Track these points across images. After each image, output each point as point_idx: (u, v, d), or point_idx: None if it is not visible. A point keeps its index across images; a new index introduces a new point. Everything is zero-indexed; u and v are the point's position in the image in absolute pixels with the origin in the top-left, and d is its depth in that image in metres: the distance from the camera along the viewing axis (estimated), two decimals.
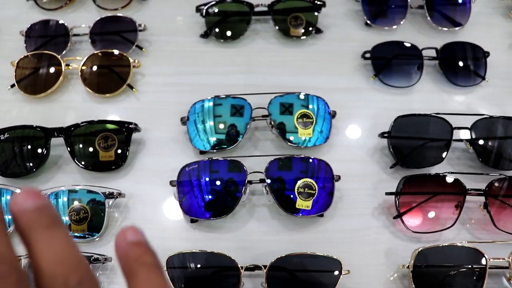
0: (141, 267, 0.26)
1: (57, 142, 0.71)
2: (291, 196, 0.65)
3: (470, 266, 0.61)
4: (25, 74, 0.79)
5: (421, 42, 0.81)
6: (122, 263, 0.27)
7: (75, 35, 0.83)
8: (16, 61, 0.79)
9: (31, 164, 0.70)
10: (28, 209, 0.25)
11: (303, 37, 0.84)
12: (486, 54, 0.81)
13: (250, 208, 0.68)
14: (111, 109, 0.77)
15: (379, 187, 0.69)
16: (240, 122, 0.71)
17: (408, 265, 0.61)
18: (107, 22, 0.84)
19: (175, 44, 0.85)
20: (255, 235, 0.66)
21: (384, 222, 0.68)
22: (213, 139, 0.71)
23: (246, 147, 0.73)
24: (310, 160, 0.67)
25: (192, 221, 0.66)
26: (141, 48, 0.83)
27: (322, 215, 0.67)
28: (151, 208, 0.68)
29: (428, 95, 0.79)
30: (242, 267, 0.60)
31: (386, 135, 0.72)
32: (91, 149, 0.70)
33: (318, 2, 0.85)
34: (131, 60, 0.78)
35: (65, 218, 0.64)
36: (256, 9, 0.84)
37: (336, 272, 0.60)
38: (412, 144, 0.71)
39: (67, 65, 0.79)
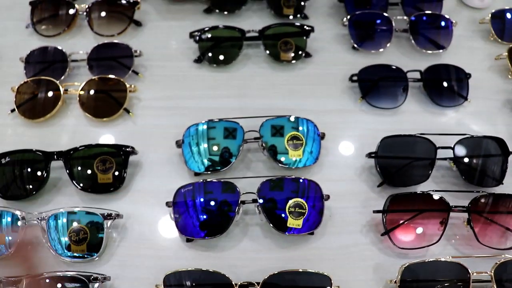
0: None
1: (56, 165, 0.73)
2: (283, 215, 0.67)
3: (454, 280, 0.63)
4: (25, 99, 0.81)
5: (406, 65, 0.84)
6: None
7: (73, 60, 0.85)
8: (16, 87, 0.81)
9: (31, 187, 0.71)
10: None
11: (293, 61, 0.87)
12: (468, 76, 0.84)
13: (243, 227, 0.70)
14: (109, 133, 0.79)
15: (367, 205, 0.72)
16: (233, 145, 0.74)
17: (396, 280, 0.63)
18: (104, 48, 0.86)
19: (170, 69, 0.87)
20: (248, 253, 0.68)
21: (372, 239, 0.69)
22: (207, 161, 0.73)
23: (239, 169, 0.75)
24: (301, 181, 0.70)
25: (188, 240, 0.68)
26: (137, 73, 0.85)
27: (312, 233, 0.69)
28: (148, 228, 0.70)
29: (413, 116, 0.82)
30: (236, 284, 0.62)
31: (373, 155, 0.74)
32: (89, 172, 0.72)
33: (307, 28, 0.88)
34: (127, 85, 0.81)
35: (65, 239, 0.66)
36: (248, 35, 0.87)
37: None
38: (398, 163, 0.73)
39: (66, 90, 0.81)
